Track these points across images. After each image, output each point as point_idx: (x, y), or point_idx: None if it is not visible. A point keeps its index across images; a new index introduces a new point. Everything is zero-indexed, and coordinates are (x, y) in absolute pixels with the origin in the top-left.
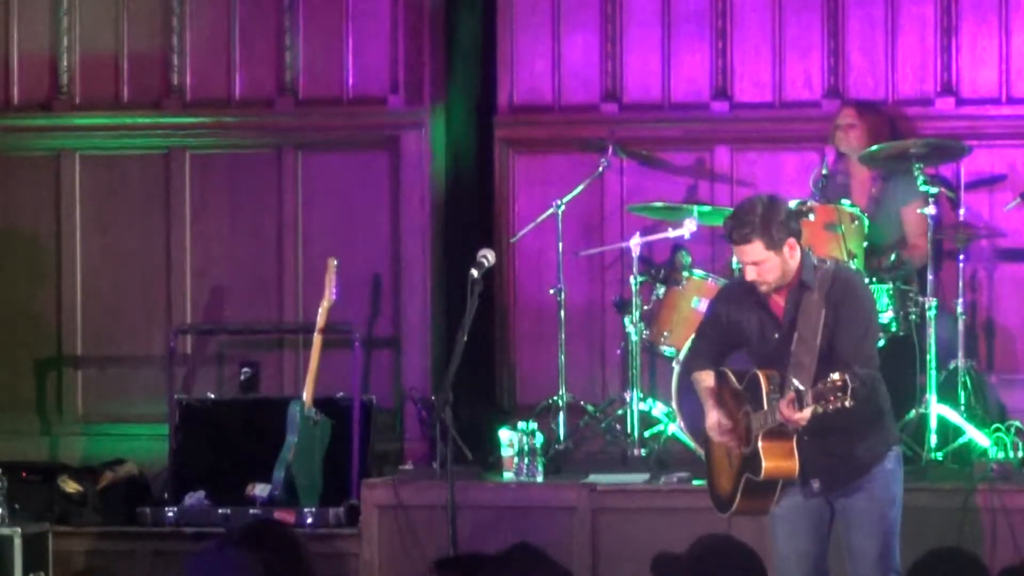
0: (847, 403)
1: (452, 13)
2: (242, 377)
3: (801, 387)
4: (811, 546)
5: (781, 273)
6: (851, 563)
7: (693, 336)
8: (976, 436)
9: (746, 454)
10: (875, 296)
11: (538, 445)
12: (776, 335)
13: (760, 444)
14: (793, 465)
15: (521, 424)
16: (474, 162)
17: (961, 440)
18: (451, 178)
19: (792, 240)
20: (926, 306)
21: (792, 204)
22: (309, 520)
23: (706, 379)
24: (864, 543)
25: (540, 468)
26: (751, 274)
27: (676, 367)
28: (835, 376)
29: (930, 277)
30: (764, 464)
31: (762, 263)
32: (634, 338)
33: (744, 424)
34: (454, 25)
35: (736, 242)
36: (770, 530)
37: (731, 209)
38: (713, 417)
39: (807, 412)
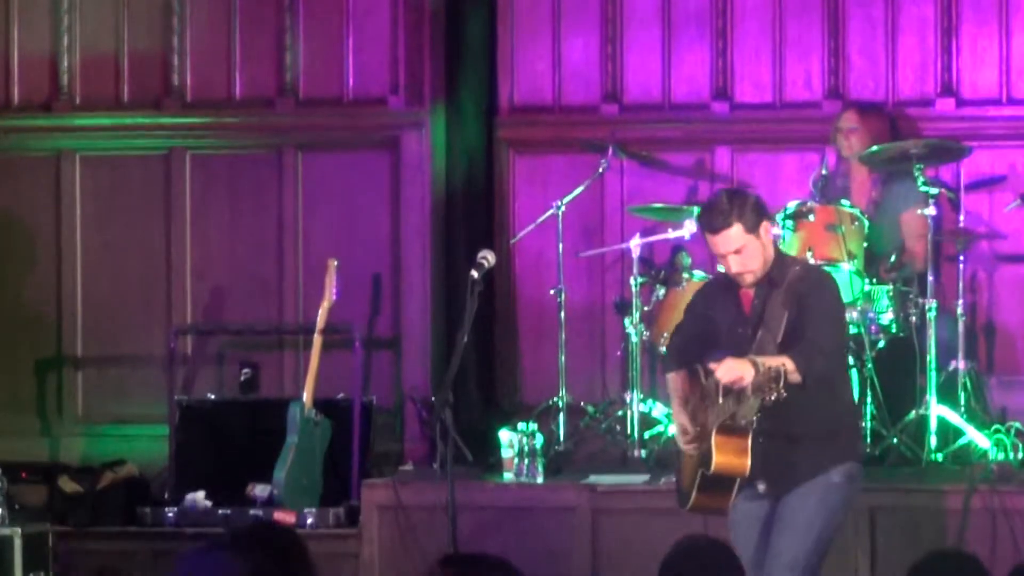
0: (777, 395)
1: (452, 13)
2: (242, 377)
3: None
4: (761, 555)
5: (763, 260)
6: (767, 561)
7: (671, 332)
8: (976, 437)
9: (703, 449)
10: (874, 297)
11: (538, 446)
12: (741, 331)
13: (713, 439)
14: (744, 463)
15: (521, 425)
16: (474, 162)
17: (961, 441)
18: (451, 178)
19: (766, 223)
20: (926, 307)
21: (792, 204)
22: (309, 520)
23: (673, 380)
24: (780, 543)
25: (540, 469)
26: (735, 265)
27: None
28: (771, 364)
29: (930, 279)
30: (714, 459)
31: (743, 249)
32: (634, 339)
33: (703, 420)
34: (455, 25)
35: (717, 230)
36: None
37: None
38: (677, 423)
39: (737, 370)
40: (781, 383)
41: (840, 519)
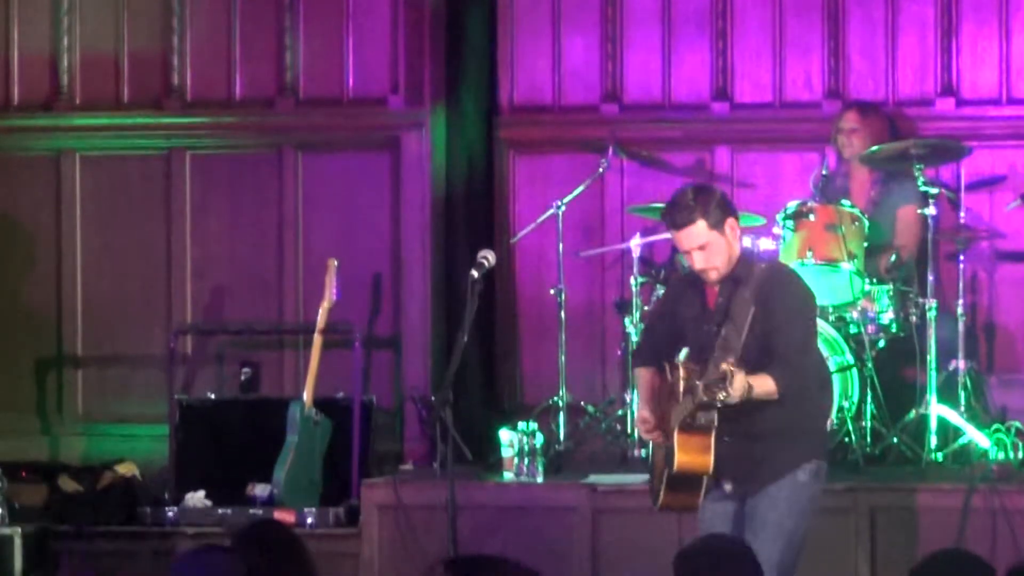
0: (725, 395)
1: (452, 13)
2: (242, 377)
3: (697, 382)
4: None
5: (727, 257)
6: None
7: (641, 329)
8: (976, 437)
9: (668, 448)
10: (878, 296)
11: (538, 445)
12: (706, 327)
13: (676, 437)
14: (707, 461)
15: (521, 424)
16: (475, 162)
17: (961, 441)
18: (452, 178)
19: (731, 220)
20: (926, 307)
21: (792, 204)
22: (309, 520)
23: (642, 375)
24: (754, 545)
25: (540, 468)
26: (699, 262)
27: None
28: (722, 366)
29: (930, 278)
30: (677, 457)
31: (708, 246)
32: (634, 339)
33: (669, 418)
34: (455, 25)
35: (679, 226)
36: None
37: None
38: (638, 414)
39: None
40: (727, 384)
41: (807, 516)
